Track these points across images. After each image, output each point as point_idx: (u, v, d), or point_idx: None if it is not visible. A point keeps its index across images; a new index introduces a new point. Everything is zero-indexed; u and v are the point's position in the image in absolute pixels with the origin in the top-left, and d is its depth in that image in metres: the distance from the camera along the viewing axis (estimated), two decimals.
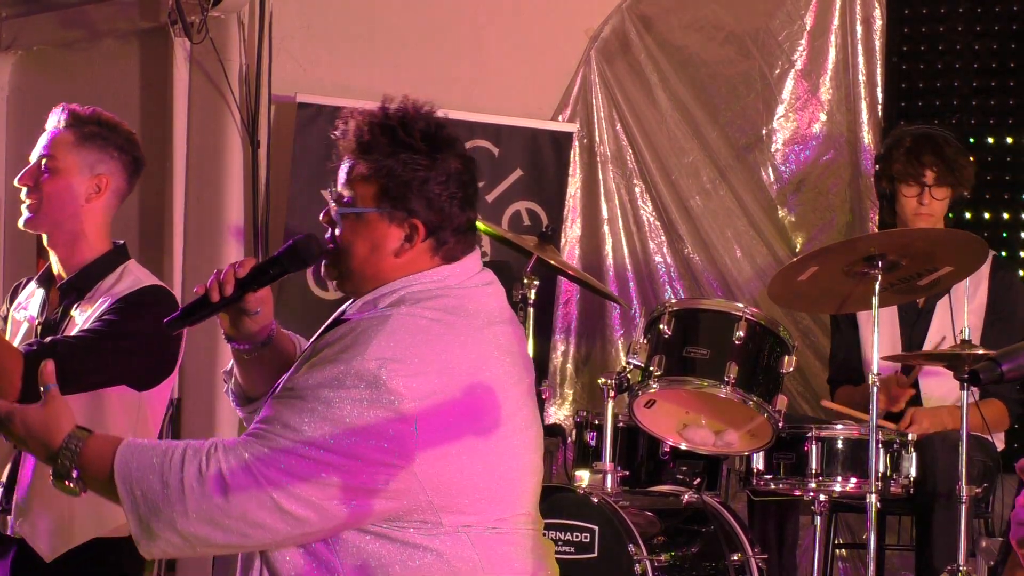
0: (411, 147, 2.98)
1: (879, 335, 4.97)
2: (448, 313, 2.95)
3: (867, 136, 6.74)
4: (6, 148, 7.05)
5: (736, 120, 6.94)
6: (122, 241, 4.18)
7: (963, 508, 4.86)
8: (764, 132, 6.88)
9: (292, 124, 6.41)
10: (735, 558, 4.95)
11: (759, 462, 5.16)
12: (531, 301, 5.53)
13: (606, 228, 7.05)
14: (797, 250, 6.72)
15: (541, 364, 6.51)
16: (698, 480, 5.20)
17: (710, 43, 6.96)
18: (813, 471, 5.06)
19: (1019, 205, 6.50)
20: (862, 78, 6.77)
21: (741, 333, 5.00)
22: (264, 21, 6.33)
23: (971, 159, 5.62)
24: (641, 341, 5.08)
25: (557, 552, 4.67)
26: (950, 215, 5.64)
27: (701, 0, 6.99)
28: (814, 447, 5.06)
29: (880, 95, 6.76)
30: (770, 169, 6.88)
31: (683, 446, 5.17)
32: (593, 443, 5.27)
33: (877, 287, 4.92)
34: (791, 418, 5.19)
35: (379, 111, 3.03)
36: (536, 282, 5.59)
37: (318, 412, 2.82)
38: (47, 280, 4.15)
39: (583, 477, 5.08)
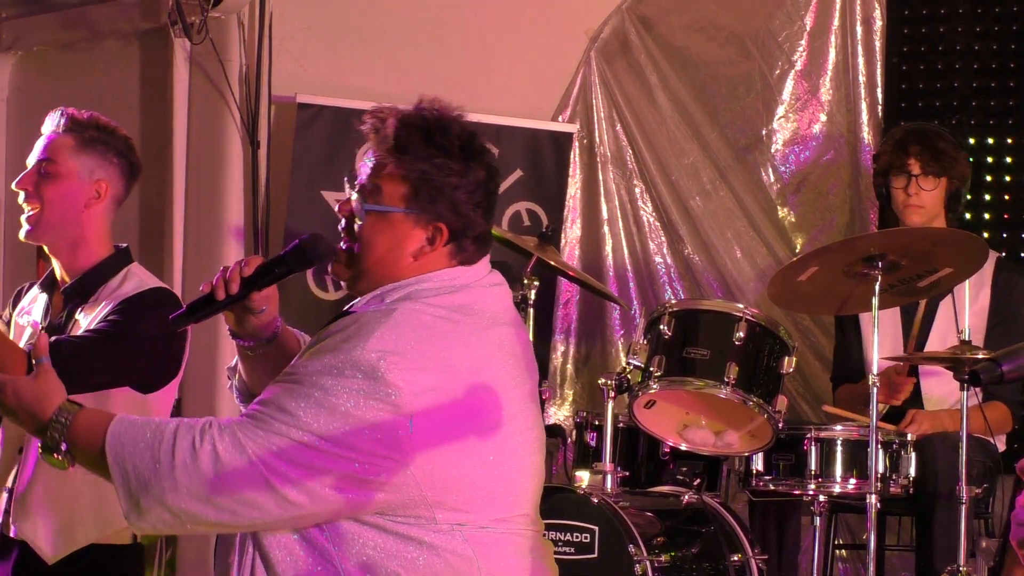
0: (447, 152, 2.99)
1: (881, 336, 4.97)
2: (454, 311, 2.96)
3: (867, 136, 6.74)
4: (6, 149, 7.04)
5: (736, 121, 6.94)
6: (125, 244, 4.18)
7: (963, 509, 4.86)
8: (764, 133, 6.88)
9: (292, 124, 6.41)
10: (735, 559, 4.95)
11: (759, 463, 5.16)
12: (531, 302, 5.54)
13: (606, 228, 7.05)
14: (797, 250, 6.72)
15: (541, 365, 6.49)
16: (698, 481, 5.20)
17: (710, 44, 6.96)
18: (813, 472, 5.06)
19: (1020, 206, 6.50)
20: (862, 79, 6.77)
21: (741, 334, 5.00)
22: (264, 21, 6.33)
23: (964, 153, 5.60)
24: (641, 342, 5.08)
25: (557, 552, 4.68)
26: (951, 214, 5.62)
27: (701, 1, 6.99)
28: (813, 448, 5.06)
29: (880, 95, 6.76)
30: (770, 170, 6.88)
31: (683, 447, 5.17)
32: (593, 444, 5.27)
33: (877, 287, 4.92)
34: (791, 419, 5.19)
35: (416, 112, 3.02)
36: (536, 282, 5.60)
37: (315, 399, 2.83)
38: (50, 285, 4.15)
39: (583, 478, 5.08)
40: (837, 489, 5.10)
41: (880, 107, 6.76)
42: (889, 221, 5.80)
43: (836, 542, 5.83)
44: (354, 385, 2.83)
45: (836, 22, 6.80)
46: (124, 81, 6.71)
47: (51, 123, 4.12)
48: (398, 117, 3.01)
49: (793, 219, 6.85)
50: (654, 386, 5.01)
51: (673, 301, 5.87)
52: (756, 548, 5.04)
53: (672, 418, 5.18)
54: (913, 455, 5.14)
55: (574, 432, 5.51)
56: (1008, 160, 6.54)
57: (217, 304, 3.06)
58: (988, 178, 6.46)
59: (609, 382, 5.04)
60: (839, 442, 5.08)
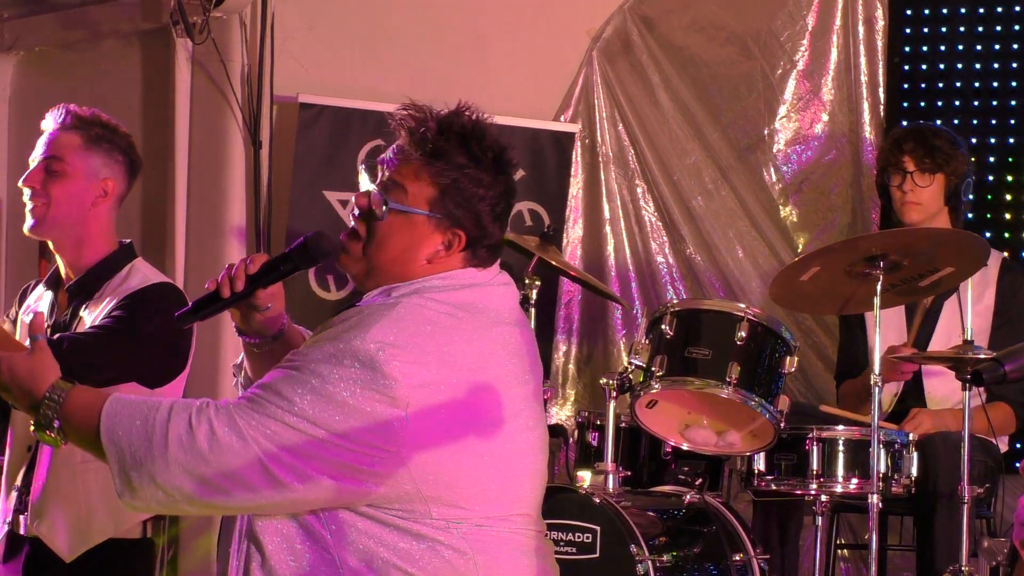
0: (479, 163, 3.00)
1: (886, 334, 4.97)
2: (458, 308, 2.96)
3: (869, 136, 6.74)
4: (7, 149, 7.05)
5: (738, 120, 6.94)
6: (128, 240, 4.18)
7: (965, 508, 4.86)
8: (766, 132, 6.88)
9: (294, 124, 6.41)
10: (737, 558, 4.95)
11: (760, 462, 5.16)
12: (533, 301, 5.54)
13: (608, 228, 7.05)
14: (799, 250, 6.72)
15: (543, 364, 6.51)
16: (700, 480, 5.20)
17: (712, 43, 6.96)
18: (814, 471, 5.06)
19: (1020, 206, 6.50)
20: (864, 78, 6.77)
21: (743, 333, 5.00)
22: (266, 21, 6.33)
23: (963, 151, 5.59)
24: (643, 341, 5.08)
25: (559, 552, 4.68)
26: (954, 212, 5.62)
27: (703, 1, 6.99)
28: (815, 448, 5.06)
29: (882, 95, 6.76)
30: (772, 169, 6.88)
31: (685, 446, 5.17)
32: (595, 443, 5.27)
33: (879, 287, 4.92)
34: (792, 418, 5.18)
35: (455, 117, 3.02)
36: (538, 282, 5.60)
37: (312, 386, 2.84)
38: (55, 282, 4.15)
39: (585, 477, 5.08)
40: (839, 489, 5.09)
41: (882, 107, 6.76)
42: (891, 220, 5.80)
43: (838, 542, 5.82)
44: (352, 375, 2.84)
45: (838, 22, 6.80)
46: (126, 81, 6.71)
47: (53, 120, 4.11)
48: (437, 120, 3.01)
49: (795, 219, 6.86)
50: (656, 386, 5.01)
51: (675, 301, 5.86)
52: (758, 548, 5.04)
53: (674, 418, 5.18)
54: (915, 455, 5.14)
55: (576, 432, 5.51)
56: (1009, 160, 6.54)
57: (222, 302, 3.07)
58: (989, 178, 6.47)
59: (611, 382, 5.04)
60: (841, 442, 5.08)
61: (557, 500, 4.76)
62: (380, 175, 3.04)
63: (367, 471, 2.85)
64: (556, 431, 5.98)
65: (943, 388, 5.44)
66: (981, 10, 6.62)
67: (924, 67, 6.72)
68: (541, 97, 7.05)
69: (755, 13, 6.90)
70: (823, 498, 5.08)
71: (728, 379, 4.95)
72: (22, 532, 4.02)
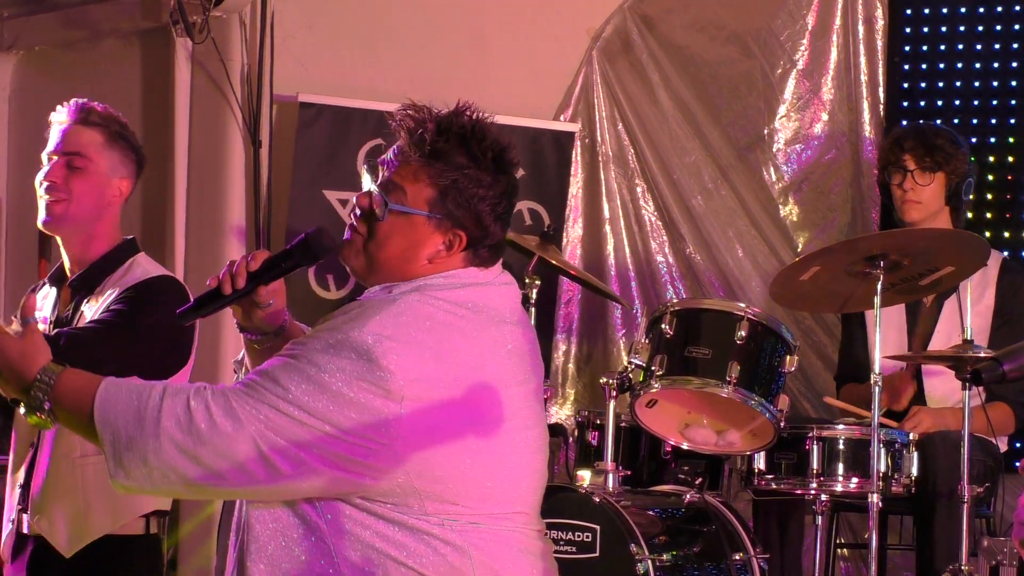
0: (479, 163, 3.00)
1: (886, 334, 4.97)
2: (459, 306, 2.96)
3: (869, 136, 6.74)
4: (7, 149, 7.05)
5: (738, 120, 6.94)
6: (132, 236, 4.18)
7: (965, 508, 4.86)
8: (766, 132, 6.88)
9: (294, 124, 6.41)
10: (737, 557, 4.95)
11: (760, 462, 5.16)
12: (533, 301, 5.54)
13: (608, 228, 7.05)
14: (799, 250, 6.72)
15: (543, 364, 6.51)
16: (700, 480, 5.20)
17: (712, 43, 6.97)
18: (814, 471, 5.06)
19: (1020, 205, 6.50)
20: (864, 78, 6.77)
21: (743, 333, 5.00)
22: (266, 21, 6.34)
23: (964, 150, 5.60)
24: (643, 341, 5.08)
25: (559, 552, 4.69)
26: (956, 212, 5.62)
27: (703, 0, 6.99)
28: (815, 447, 5.06)
29: (882, 95, 6.76)
30: (772, 169, 6.88)
31: (685, 446, 5.17)
32: (595, 443, 5.27)
33: (879, 287, 4.93)
34: (792, 418, 5.19)
35: (455, 118, 3.02)
36: (538, 282, 5.60)
37: (307, 375, 2.85)
38: (59, 279, 4.15)
39: (585, 477, 5.08)
40: (839, 488, 5.09)
41: (882, 106, 6.76)
42: (892, 219, 5.81)
43: (838, 541, 5.83)
44: (348, 366, 2.84)
45: (838, 21, 6.80)
46: (125, 81, 6.71)
47: (69, 114, 4.10)
48: (436, 121, 3.01)
49: (795, 218, 6.86)
50: (656, 385, 5.01)
51: (675, 300, 5.86)
52: (758, 547, 5.04)
53: (674, 417, 5.18)
54: (915, 454, 5.14)
55: (576, 431, 5.51)
56: (1009, 159, 6.54)
57: (224, 299, 3.07)
58: (989, 177, 6.47)
59: (611, 381, 5.04)
60: (841, 441, 5.08)
61: (557, 499, 4.76)
62: (380, 176, 3.04)
63: (360, 462, 2.85)
64: (556, 430, 5.98)
65: (943, 387, 5.44)
66: (981, 10, 6.62)
67: (924, 67, 6.72)
68: (541, 96, 7.05)
69: (755, 12, 6.90)
70: (823, 497, 5.08)
71: (728, 378, 4.96)
72: (25, 531, 4.02)
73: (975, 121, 6.58)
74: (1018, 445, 6.06)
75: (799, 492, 5.17)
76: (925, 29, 6.73)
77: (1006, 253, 5.99)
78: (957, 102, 6.64)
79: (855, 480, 5.07)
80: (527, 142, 6.69)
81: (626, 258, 7.01)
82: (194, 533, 6.01)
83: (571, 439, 5.79)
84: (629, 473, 5.21)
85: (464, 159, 3.00)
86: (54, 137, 4.10)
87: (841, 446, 5.08)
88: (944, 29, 6.69)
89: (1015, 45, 6.55)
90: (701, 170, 6.96)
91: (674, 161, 6.97)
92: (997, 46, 6.59)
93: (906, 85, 6.76)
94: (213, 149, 6.43)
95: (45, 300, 4.18)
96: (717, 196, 6.94)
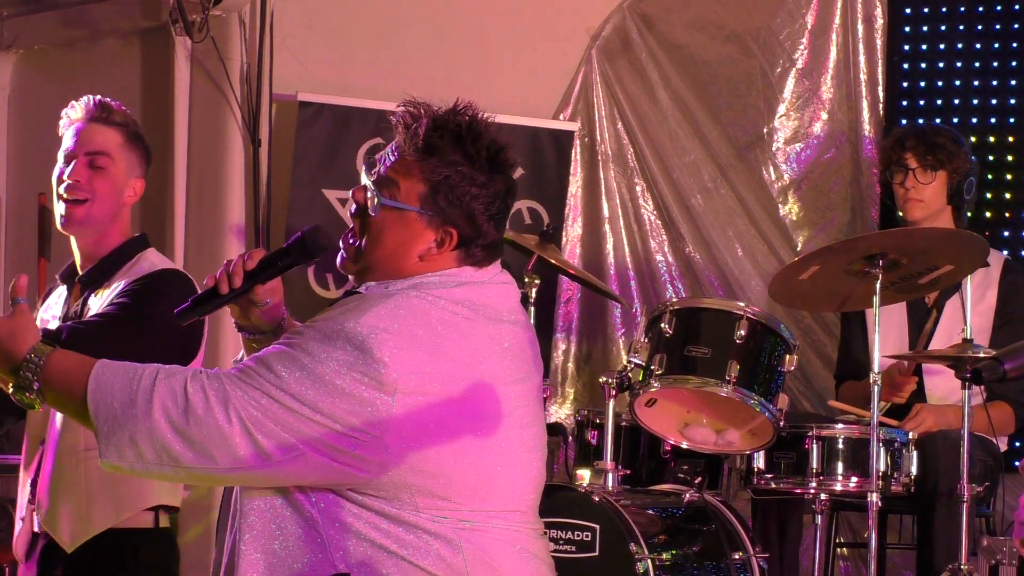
0: (473, 161, 3.00)
1: (887, 333, 4.97)
2: (455, 303, 2.96)
3: (868, 135, 6.74)
4: (7, 148, 7.05)
5: (737, 119, 6.94)
6: (142, 232, 4.18)
7: (964, 507, 4.86)
8: (765, 131, 6.88)
9: (293, 123, 6.41)
10: (736, 557, 4.95)
11: (760, 461, 5.16)
12: (532, 300, 5.54)
13: (607, 227, 7.05)
14: (798, 249, 6.72)
15: (542, 363, 6.52)
16: (699, 479, 5.20)
17: (711, 42, 6.96)
18: (814, 470, 5.06)
19: (1020, 204, 6.50)
20: (863, 77, 6.77)
21: (742, 332, 5.00)
22: (265, 20, 6.34)
23: (965, 149, 5.60)
24: (642, 340, 5.08)
25: (558, 551, 4.69)
26: (958, 211, 5.62)
27: None
28: (815, 446, 5.06)
29: (881, 94, 6.76)
30: (771, 168, 6.88)
31: (684, 445, 5.17)
32: (594, 442, 5.27)
33: (878, 286, 4.93)
34: (792, 417, 5.19)
35: (450, 115, 3.02)
36: (537, 281, 5.60)
37: (301, 364, 2.85)
38: (70, 276, 4.15)
39: (584, 476, 5.08)
40: (838, 487, 5.09)
41: (881, 105, 6.76)
42: (895, 218, 5.81)
43: (837, 540, 5.83)
44: (342, 356, 2.85)
45: (837, 20, 6.80)
46: (125, 79, 6.71)
47: (85, 112, 4.07)
48: (432, 117, 3.01)
49: (794, 217, 6.85)
50: (655, 384, 5.01)
51: (674, 299, 5.87)
52: (757, 546, 5.04)
53: (673, 416, 5.18)
54: (915, 453, 5.14)
55: (575, 430, 5.51)
56: (1009, 159, 6.54)
57: (221, 298, 3.07)
58: (989, 176, 6.47)
59: (610, 380, 5.04)
60: (840, 440, 5.08)
61: (556, 499, 4.76)
62: (376, 171, 3.05)
63: (350, 453, 2.85)
64: (555, 430, 5.98)
65: (943, 387, 5.44)
66: (981, 9, 6.61)
67: (924, 66, 6.72)
68: (540, 95, 7.05)
69: (754, 11, 6.90)
70: (822, 496, 5.08)
71: (727, 377, 4.95)
72: (36, 528, 4.02)
73: (975, 121, 6.58)
74: (1018, 445, 6.06)
75: (798, 491, 5.17)
76: (925, 28, 6.73)
77: (1006, 253, 5.99)
78: (957, 102, 6.64)
79: (854, 479, 5.07)
80: (526, 141, 6.69)
81: (625, 257, 7.01)
82: (196, 542, 6.02)
83: (570, 438, 5.79)
84: (628, 472, 5.21)
85: (458, 156, 3.00)
86: (71, 135, 4.08)
87: (840, 445, 5.08)
88: (944, 28, 6.69)
89: (1015, 45, 6.55)
90: (700, 169, 6.95)
91: (673, 160, 6.97)
92: (997, 46, 6.59)
93: (906, 84, 6.76)
94: (213, 148, 6.43)
95: (58, 299, 4.18)
96: (716, 195, 6.93)
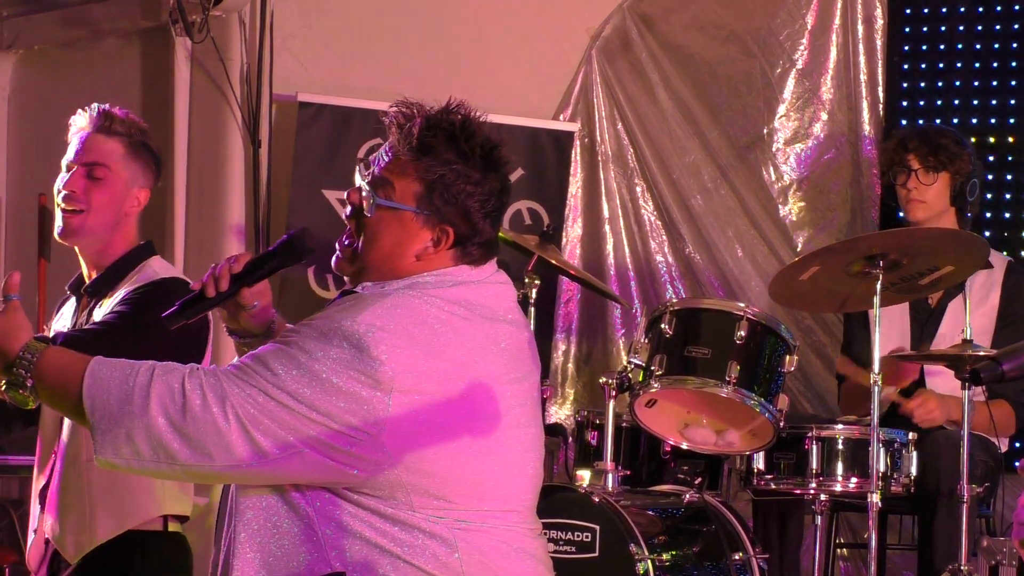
0: (468, 159, 3.00)
1: (890, 333, 4.97)
2: (452, 303, 2.97)
3: (868, 135, 6.74)
4: (7, 148, 7.05)
5: (737, 119, 6.94)
6: (148, 240, 4.16)
7: (964, 507, 4.86)
8: (765, 131, 6.88)
9: (293, 123, 6.41)
10: (737, 557, 4.95)
11: (760, 462, 5.16)
12: (532, 300, 5.54)
13: (607, 227, 7.05)
14: (798, 249, 6.72)
15: (542, 363, 6.51)
16: (699, 479, 5.20)
17: (711, 42, 6.96)
18: (814, 470, 5.06)
19: (1020, 205, 6.50)
20: (863, 77, 6.77)
21: (742, 332, 5.00)
22: (265, 20, 6.34)
23: (968, 150, 5.60)
24: (642, 340, 5.08)
25: (558, 552, 4.69)
26: (961, 212, 5.62)
27: None
28: (815, 446, 5.06)
29: (881, 94, 6.76)
30: (771, 168, 6.88)
31: (684, 445, 5.17)
32: (594, 442, 5.27)
33: (878, 286, 4.93)
34: (792, 417, 5.18)
35: (444, 114, 3.02)
36: (537, 281, 5.60)
37: (298, 361, 2.85)
38: (78, 286, 4.14)
39: (584, 476, 5.08)
40: (838, 488, 5.09)
41: (881, 106, 6.76)
42: (892, 219, 5.81)
43: (837, 541, 5.83)
44: (338, 353, 2.85)
45: (837, 20, 6.80)
46: (125, 80, 6.71)
47: (90, 121, 4.06)
48: (425, 116, 3.01)
49: (794, 217, 6.85)
50: (655, 385, 5.01)
51: (674, 300, 5.87)
52: (757, 547, 5.04)
53: (673, 417, 5.18)
54: (915, 454, 5.14)
55: (575, 431, 5.51)
56: (1009, 159, 6.54)
57: (208, 301, 3.07)
58: (989, 177, 6.47)
59: (610, 381, 5.04)
60: (840, 441, 5.08)
61: (556, 499, 4.76)
62: (371, 172, 3.05)
63: (346, 451, 2.85)
64: (555, 430, 5.98)
65: (944, 387, 5.43)
66: (981, 9, 6.62)
67: (924, 66, 6.72)
68: (540, 96, 7.05)
69: (754, 12, 6.90)
70: (822, 497, 5.08)
71: (727, 378, 4.95)
72: (47, 536, 4.02)
73: (975, 121, 6.59)
74: (1018, 445, 6.06)
75: (798, 492, 5.17)
76: (925, 28, 6.73)
77: (1005, 253, 5.99)
78: (957, 102, 6.64)
79: (854, 480, 5.07)
80: (526, 141, 6.69)
81: (625, 258, 7.01)
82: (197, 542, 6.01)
83: (570, 439, 5.79)
84: (628, 473, 5.21)
85: (452, 155, 3.00)
86: (74, 145, 4.06)
87: (840, 446, 5.08)
88: (944, 29, 6.69)
89: (1015, 45, 6.55)
90: (700, 170, 6.95)
91: (673, 161, 6.97)
92: (997, 46, 6.59)
93: (906, 84, 6.76)
94: (213, 148, 6.43)
95: (69, 310, 4.16)
96: (716, 196, 6.94)
